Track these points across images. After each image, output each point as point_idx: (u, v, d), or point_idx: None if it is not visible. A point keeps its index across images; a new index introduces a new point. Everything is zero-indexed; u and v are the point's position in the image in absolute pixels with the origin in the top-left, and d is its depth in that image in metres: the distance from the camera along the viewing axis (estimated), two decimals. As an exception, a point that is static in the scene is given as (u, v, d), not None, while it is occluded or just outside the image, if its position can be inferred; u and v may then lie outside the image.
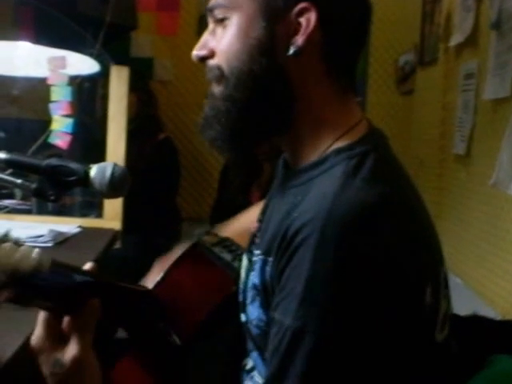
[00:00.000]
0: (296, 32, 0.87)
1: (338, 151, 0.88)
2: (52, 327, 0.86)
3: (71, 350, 0.85)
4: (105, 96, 2.49)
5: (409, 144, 3.59)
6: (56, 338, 0.86)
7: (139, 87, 3.26)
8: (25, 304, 0.83)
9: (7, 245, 0.73)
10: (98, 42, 2.43)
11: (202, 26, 3.97)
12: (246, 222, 1.32)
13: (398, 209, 0.84)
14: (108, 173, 1.13)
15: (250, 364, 1.00)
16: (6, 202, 2.49)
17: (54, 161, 1.14)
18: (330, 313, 0.77)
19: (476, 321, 1.05)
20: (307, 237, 0.79)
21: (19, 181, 1.17)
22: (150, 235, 3.20)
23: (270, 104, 0.90)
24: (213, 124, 0.92)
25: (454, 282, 2.53)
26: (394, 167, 0.91)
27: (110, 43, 2.68)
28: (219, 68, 0.91)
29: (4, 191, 2.51)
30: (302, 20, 0.87)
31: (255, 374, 0.98)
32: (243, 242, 1.19)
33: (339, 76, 0.92)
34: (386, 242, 0.79)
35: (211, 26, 0.94)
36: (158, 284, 1.09)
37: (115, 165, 1.15)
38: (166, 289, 1.07)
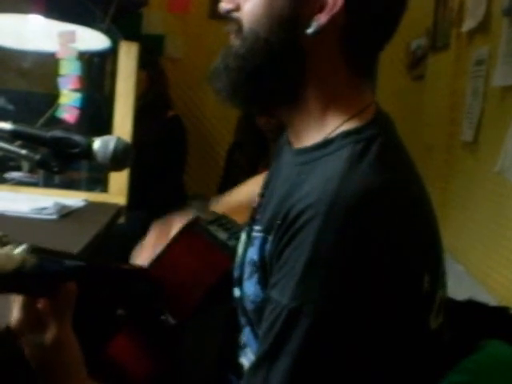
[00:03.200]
0: (321, 10, 0.86)
1: (346, 134, 0.88)
2: (29, 310, 0.87)
3: (50, 332, 0.86)
4: (114, 72, 2.49)
5: (418, 129, 3.57)
6: (34, 320, 0.87)
7: (149, 64, 3.25)
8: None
9: None
10: (108, 17, 2.43)
11: (214, 5, 3.96)
12: (242, 195, 1.32)
13: (402, 196, 0.84)
14: (111, 146, 1.14)
15: (242, 340, 1.01)
16: (13, 174, 2.51)
17: (58, 133, 1.14)
18: (327, 295, 0.77)
19: (470, 306, 1.05)
20: (310, 219, 0.79)
21: (23, 151, 1.18)
22: (155, 212, 3.21)
23: (279, 74, 0.90)
24: (221, 76, 0.93)
25: (457, 269, 2.53)
26: (399, 153, 0.91)
27: (121, 19, 2.67)
28: (239, 24, 0.91)
29: (11, 163, 2.52)
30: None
31: (247, 350, 0.99)
32: (239, 217, 1.20)
33: (356, 60, 0.91)
34: (387, 229, 0.80)
35: None
36: (154, 263, 1.10)
37: (118, 138, 1.16)
38: (162, 268, 1.08)
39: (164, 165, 3.26)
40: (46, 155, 1.16)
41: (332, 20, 0.86)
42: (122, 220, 2.31)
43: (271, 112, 1.02)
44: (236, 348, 1.02)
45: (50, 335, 0.86)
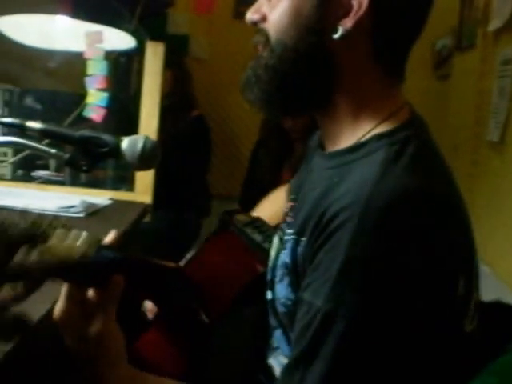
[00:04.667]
0: (346, 14, 0.86)
1: (379, 137, 0.88)
2: (75, 301, 0.88)
3: (95, 324, 0.88)
4: (140, 71, 2.51)
5: (444, 129, 3.54)
6: (79, 311, 0.88)
7: (174, 64, 3.27)
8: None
9: (60, 231, 0.75)
10: (135, 18, 2.45)
11: (238, 5, 3.97)
12: (276, 202, 1.33)
13: (437, 198, 0.84)
14: (139, 145, 1.15)
15: (274, 342, 1.01)
16: (40, 172, 2.54)
17: (87, 132, 1.16)
18: (363, 298, 0.77)
19: (498, 307, 1.04)
20: (345, 221, 0.79)
21: (53, 151, 1.20)
22: (179, 211, 3.23)
23: (310, 81, 0.91)
24: (253, 88, 0.93)
25: (484, 271, 2.51)
26: (434, 155, 0.91)
27: (147, 19, 2.70)
28: (266, 36, 0.92)
29: (39, 162, 2.55)
30: (354, 2, 0.86)
31: (277, 352, 1.00)
32: (273, 224, 1.20)
33: (386, 62, 0.91)
34: (423, 231, 0.80)
35: None
36: (189, 262, 1.11)
37: (146, 137, 1.17)
38: (196, 267, 1.09)
39: (188, 164, 3.28)
40: (75, 154, 1.18)
41: (358, 23, 0.86)
42: (147, 219, 2.32)
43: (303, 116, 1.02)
44: (265, 349, 1.03)
45: (94, 327, 0.88)
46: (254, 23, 0.94)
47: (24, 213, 0.72)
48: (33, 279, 0.73)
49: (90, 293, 0.89)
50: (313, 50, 0.89)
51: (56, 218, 0.77)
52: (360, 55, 0.89)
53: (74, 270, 0.81)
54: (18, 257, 0.71)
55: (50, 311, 0.92)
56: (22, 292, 0.72)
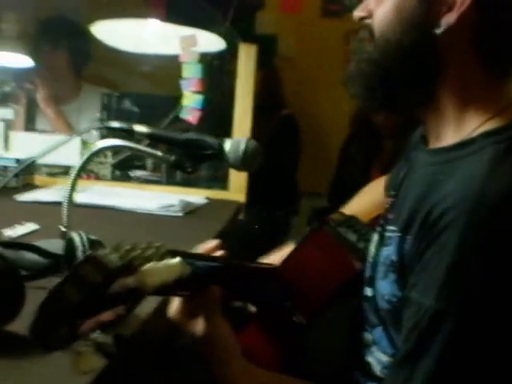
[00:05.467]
0: (450, 9, 0.86)
1: (487, 134, 0.87)
2: (185, 306, 0.97)
3: (201, 325, 0.95)
4: (232, 73, 2.56)
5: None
6: (189, 314, 0.96)
7: (264, 64, 3.32)
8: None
9: (151, 266, 0.75)
10: (228, 21, 2.50)
11: (325, 3, 3.98)
12: (367, 199, 1.33)
13: None
14: (242, 148, 1.20)
15: (369, 339, 1.01)
16: (138, 173, 2.63)
17: (192, 135, 1.22)
18: (474, 298, 0.77)
19: None
20: (454, 219, 0.79)
21: (160, 153, 1.26)
22: (270, 208, 3.28)
23: (413, 76, 0.91)
24: (356, 82, 0.95)
25: None
26: None
27: (238, 22, 2.75)
28: (371, 31, 0.93)
29: (136, 163, 2.65)
30: None
31: (375, 349, 1.00)
32: (366, 219, 1.21)
33: (491, 58, 0.90)
34: None
35: None
36: (284, 262, 1.12)
37: (248, 140, 1.21)
38: (291, 268, 1.10)
39: (279, 163, 3.31)
40: (181, 157, 1.23)
41: (462, 18, 0.86)
42: (241, 216, 2.38)
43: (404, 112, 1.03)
44: (362, 347, 1.03)
45: (201, 327, 0.95)
46: (361, 19, 0.95)
47: (116, 245, 0.73)
48: (132, 300, 0.75)
49: (195, 300, 0.96)
50: (416, 44, 0.89)
51: (149, 244, 0.78)
52: (464, 51, 0.89)
53: (173, 288, 0.85)
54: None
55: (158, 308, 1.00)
56: (123, 312, 0.74)
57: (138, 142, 1.27)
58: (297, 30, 3.99)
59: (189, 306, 0.96)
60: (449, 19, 0.87)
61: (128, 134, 1.24)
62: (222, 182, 2.56)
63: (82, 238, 1.17)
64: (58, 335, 0.68)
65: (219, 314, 0.96)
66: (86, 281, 0.68)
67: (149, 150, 1.26)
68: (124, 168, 2.60)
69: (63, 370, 0.73)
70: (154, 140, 1.24)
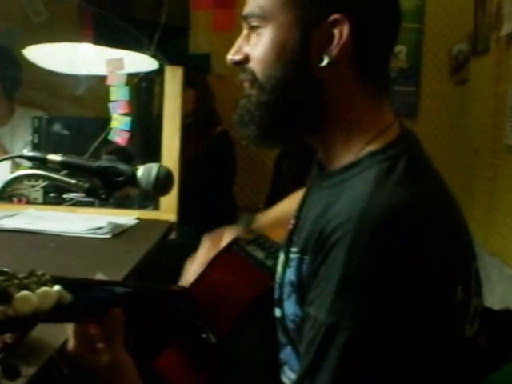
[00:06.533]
0: (329, 42, 0.89)
1: (371, 154, 0.91)
2: (81, 336, 0.95)
3: (103, 355, 0.94)
4: (161, 94, 2.60)
5: (463, 134, 3.57)
6: (87, 344, 0.94)
7: (197, 82, 3.35)
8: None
9: (23, 293, 0.74)
10: (153, 44, 2.54)
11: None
12: (283, 210, 1.36)
13: (430, 211, 0.86)
14: (153, 173, 1.22)
15: (282, 358, 1.03)
16: (72, 195, 2.63)
17: (104, 162, 1.24)
18: (362, 310, 0.81)
19: (507, 315, 1.07)
20: (341, 237, 0.83)
21: (73, 181, 1.29)
22: (206, 225, 3.30)
23: (301, 109, 0.93)
24: (247, 124, 0.95)
25: (507, 274, 2.54)
26: (425, 169, 0.93)
27: (166, 43, 2.79)
28: (253, 74, 0.94)
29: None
30: (335, 31, 0.89)
31: (286, 368, 1.01)
32: (281, 231, 1.24)
33: (371, 80, 0.94)
34: (415, 244, 0.83)
35: (246, 31, 0.97)
36: (194, 284, 1.13)
37: (160, 166, 1.24)
38: (201, 288, 1.11)
39: (215, 179, 3.35)
40: (94, 184, 1.26)
41: (342, 50, 0.89)
42: (173, 236, 2.40)
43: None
44: (278, 367, 1.04)
45: (103, 358, 0.94)
46: (237, 63, 0.96)
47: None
48: (21, 327, 0.75)
49: (93, 327, 0.95)
50: (301, 79, 0.91)
51: (31, 272, 0.77)
52: (347, 79, 0.92)
53: (61, 314, 0.83)
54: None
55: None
56: (13, 340, 0.74)
57: (57, 169, 1.29)
58: (230, 48, 4.04)
59: (87, 336, 0.95)
60: (330, 52, 0.90)
61: (41, 162, 1.25)
62: (155, 202, 2.58)
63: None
64: None
65: (121, 342, 0.96)
66: None
67: (63, 177, 1.29)
68: (58, 190, 2.59)
69: None
70: (66, 168, 1.26)
